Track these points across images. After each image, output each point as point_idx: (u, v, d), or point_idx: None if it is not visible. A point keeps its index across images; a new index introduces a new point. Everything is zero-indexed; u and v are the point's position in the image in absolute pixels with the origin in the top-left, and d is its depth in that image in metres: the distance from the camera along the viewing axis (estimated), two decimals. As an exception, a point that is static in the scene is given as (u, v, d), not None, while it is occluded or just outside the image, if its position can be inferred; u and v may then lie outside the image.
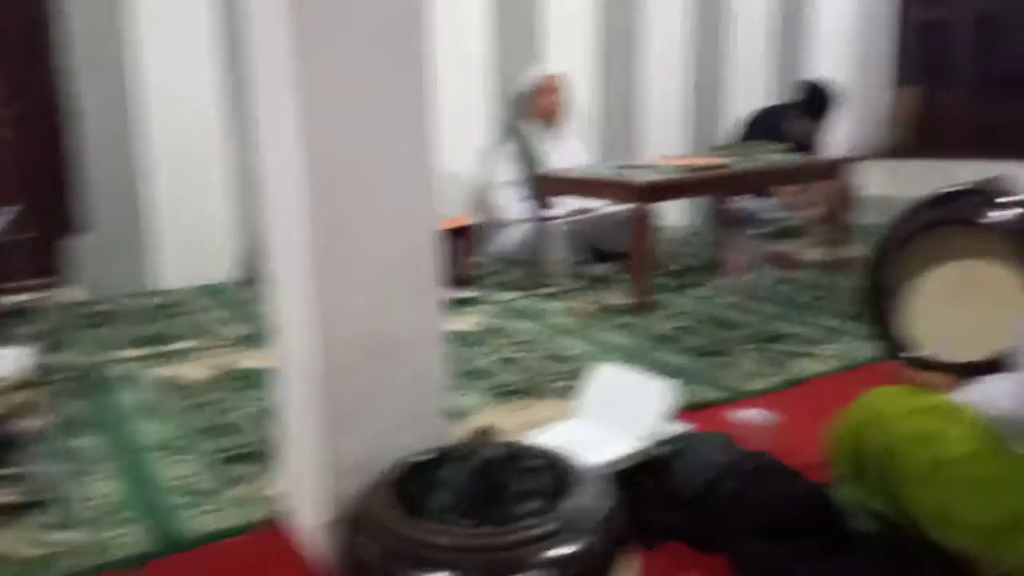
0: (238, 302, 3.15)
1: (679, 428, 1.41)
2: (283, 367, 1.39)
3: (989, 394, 1.03)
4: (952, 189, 1.33)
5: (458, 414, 1.90)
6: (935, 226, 1.33)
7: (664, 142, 4.44)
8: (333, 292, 1.21)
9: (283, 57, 1.15)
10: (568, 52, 4.10)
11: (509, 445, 1.17)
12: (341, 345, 1.22)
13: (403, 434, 1.27)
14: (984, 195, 1.29)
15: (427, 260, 1.30)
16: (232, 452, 1.76)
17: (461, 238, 3.36)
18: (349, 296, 1.22)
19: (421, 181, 1.27)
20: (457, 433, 1.44)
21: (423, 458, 1.20)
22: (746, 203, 4.10)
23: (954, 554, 1.04)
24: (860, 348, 2.29)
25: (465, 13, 3.81)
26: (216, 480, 1.63)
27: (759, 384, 2.08)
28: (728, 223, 3.77)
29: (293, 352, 1.33)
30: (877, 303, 1.42)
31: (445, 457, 1.18)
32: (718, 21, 4.58)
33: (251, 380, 2.23)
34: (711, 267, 3.47)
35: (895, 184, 4.62)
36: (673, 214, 4.46)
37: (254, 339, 2.61)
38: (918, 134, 5.02)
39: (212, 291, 3.35)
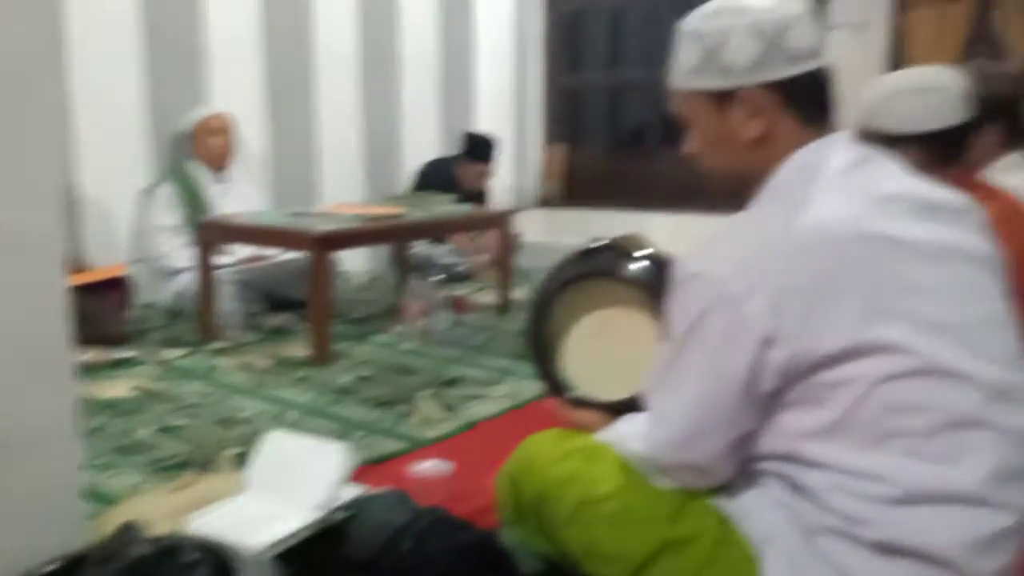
0: None
1: (354, 491, 1.37)
2: None
3: (624, 433, 1.15)
4: (594, 245, 1.47)
5: (108, 501, 1.67)
6: (582, 278, 1.47)
7: (341, 190, 4.43)
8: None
9: None
10: (235, 93, 3.92)
11: (161, 539, 1.04)
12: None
13: (29, 543, 1.07)
14: (620, 250, 1.45)
15: (54, 336, 1.12)
16: None
17: (115, 290, 3.02)
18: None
19: (40, 245, 1.10)
20: (101, 528, 1.26)
21: (51, 568, 1.02)
22: (423, 249, 4.24)
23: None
24: (528, 387, 2.46)
25: (114, 50, 3.47)
26: None
27: (437, 431, 2.12)
28: (407, 269, 3.86)
29: None
30: (538, 347, 1.52)
31: (81, 563, 1.01)
32: (387, 72, 4.71)
33: None
34: (392, 313, 3.51)
35: (550, 231, 5.11)
36: (353, 260, 4.45)
37: None
38: (565, 186, 5.64)
39: None
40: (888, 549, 0.90)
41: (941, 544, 0.88)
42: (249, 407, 2.31)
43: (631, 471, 1.11)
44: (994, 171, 1.84)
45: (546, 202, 5.57)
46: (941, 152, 1.53)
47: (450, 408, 2.30)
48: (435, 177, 4.28)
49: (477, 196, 4.32)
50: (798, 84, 1.01)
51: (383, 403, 2.34)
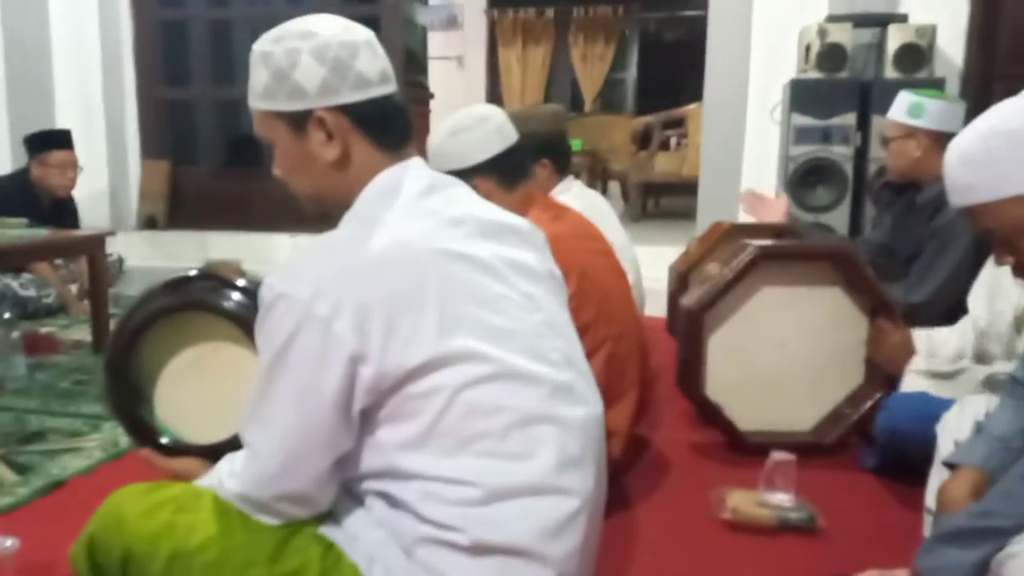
0: None
1: None
2: None
3: (223, 474, 1.08)
4: (185, 275, 1.35)
5: None
6: (172, 311, 1.34)
7: None
8: None
9: None
10: None
11: None
12: None
13: None
14: (214, 280, 1.35)
15: None
16: None
17: None
18: None
19: None
20: None
21: None
22: (-8, 281, 3.59)
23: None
24: (125, 434, 2.19)
25: None
26: None
27: (9, 499, 1.79)
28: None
29: None
30: (121, 392, 1.36)
31: None
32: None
33: None
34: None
35: (158, 255, 4.70)
36: None
37: None
38: (172, 206, 5.23)
39: None
40: (480, 550, 0.96)
41: (519, 536, 0.96)
42: None
43: (230, 515, 1.05)
44: (556, 193, 2.14)
45: (151, 223, 5.10)
46: (502, 178, 1.71)
47: (26, 469, 1.96)
48: (2, 195, 3.64)
49: (64, 211, 3.78)
50: (368, 109, 1.04)
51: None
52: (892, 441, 1.82)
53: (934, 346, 1.95)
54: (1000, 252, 1.27)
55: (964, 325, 1.93)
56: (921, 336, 1.98)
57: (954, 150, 1.24)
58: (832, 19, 3.91)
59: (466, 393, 0.96)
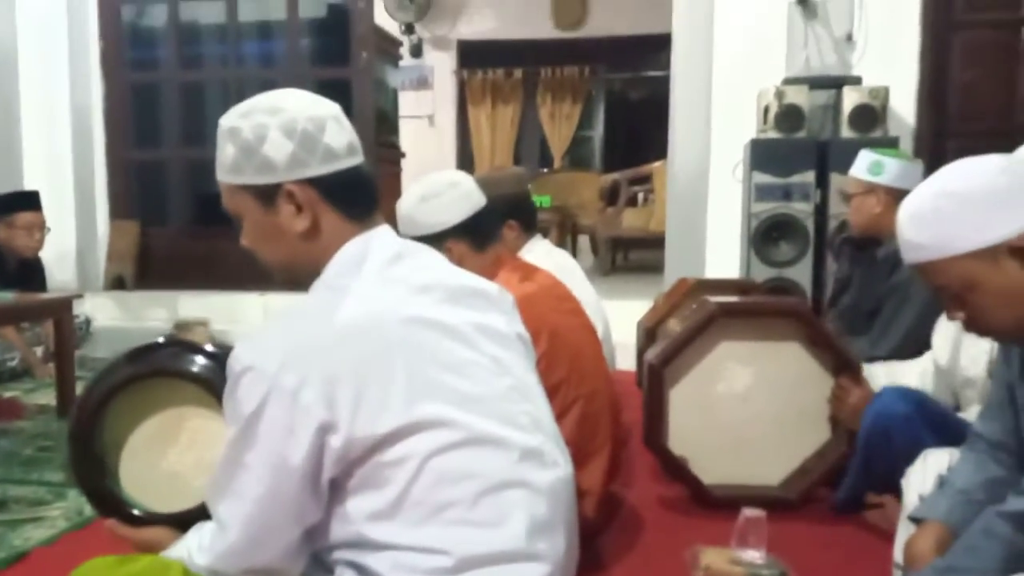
0: None
1: None
2: None
3: (192, 546, 1.07)
4: (147, 344, 1.36)
5: None
6: (134, 380, 1.33)
7: None
8: None
9: None
10: None
11: None
12: None
13: None
14: (176, 346, 1.36)
15: None
16: None
17: None
18: None
19: None
20: None
21: None
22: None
23: None
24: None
25: None
26: None
27: (-33, 573, 1.74)
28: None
29: None
30: (85, 465, 1.34)
31: None
32: None
33: None
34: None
35: (127, 316, 4.65)
36: None
37: None
38: (140, 267, 5.19)
39: None
40: (450, 619, 0.95)
41: (491, 604, 0.96)
42: None
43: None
44: (524, 252, 2.20)
45: (119, 284, 5.05)
46: (473, 240, 1.75)
47: (-12, 541, 1.91)
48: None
49: (31, 273, 3.74)
50: (336, 180, 1.06)
51: None
52: (880, 423, 1.80)
53: (895, 378, 1.99)
54: (951, 307, 1.31)
55: (925, 362, 1.97)
56: (879, 372, 2.02)
57: (905, 209, 1.29)
58: (789, 81, 4.06)
59: (435, 460, 0.97)
